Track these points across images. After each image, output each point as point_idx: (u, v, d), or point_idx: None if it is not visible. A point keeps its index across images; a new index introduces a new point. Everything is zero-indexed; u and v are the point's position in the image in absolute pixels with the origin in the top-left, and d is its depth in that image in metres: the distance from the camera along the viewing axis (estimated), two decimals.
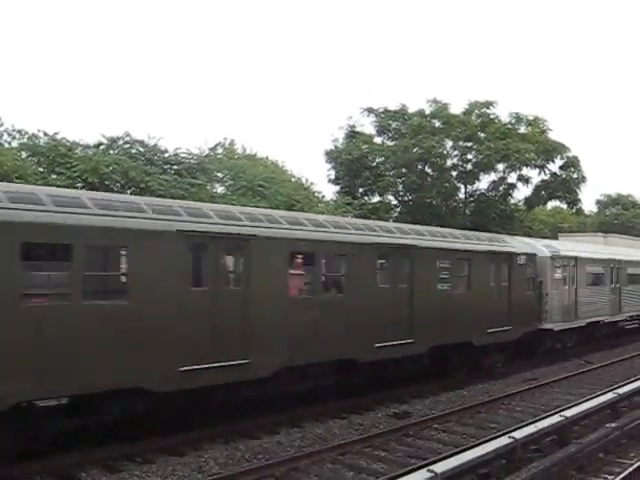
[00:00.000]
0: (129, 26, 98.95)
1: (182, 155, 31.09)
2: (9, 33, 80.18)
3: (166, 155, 30.61)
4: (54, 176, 25.46)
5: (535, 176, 44.52)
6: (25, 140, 29.02)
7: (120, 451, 11.74)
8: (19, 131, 29.25)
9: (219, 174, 34.37)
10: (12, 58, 79.61)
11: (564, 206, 51.23)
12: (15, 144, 28.80)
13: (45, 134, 28.85)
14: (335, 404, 15.73)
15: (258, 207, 28.51)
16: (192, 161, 31.25)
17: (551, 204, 54.16)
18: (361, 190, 44.42)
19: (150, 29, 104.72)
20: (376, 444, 12.99)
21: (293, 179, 44.44)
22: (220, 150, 41.19)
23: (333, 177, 44.97)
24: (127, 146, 29.74)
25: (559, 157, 43.79)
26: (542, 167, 43.74)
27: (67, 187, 21.26)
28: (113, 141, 29.76)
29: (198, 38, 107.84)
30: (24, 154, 27.67)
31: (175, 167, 30.26)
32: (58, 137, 28.42)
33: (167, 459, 11.72)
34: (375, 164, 44.28)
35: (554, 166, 44.10)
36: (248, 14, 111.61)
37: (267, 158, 48.24)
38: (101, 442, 11.72)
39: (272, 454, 12.19)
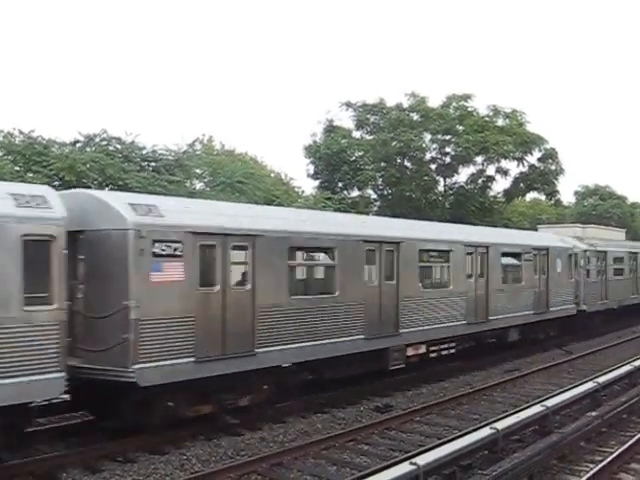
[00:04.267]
0: (103, 21, 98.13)
1: (160, 152, 30.80)
2: None
3: (144, 152, 30.30)
4: (30, 175, 25.17)
5: (514, 168, 44.84)
6: (0, 139, 28.66)
7: (101, 451, 11.65)
8: None
9: (198, 170, 34.15)
10: None
11: (543, 197, 51.68)
12: None
13: (20, 132, 28.47)
14: (317, 399, 15.72)
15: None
16: (170, 158, 30.98)
17: (530, 196, 54.51)
18: (340, 184, 44.38)
19: (125, 24, 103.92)
20: (359, 438, 13.01)
21: (272, 174, 44.34)
22: (198, 146, 40.94)
23: (312, 172, 44.93)
24: (104, 143, 29.41)
25: (537, 149, 44.07)
26: (520, 159, 44.00)
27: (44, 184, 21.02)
28: (90, 138, 29.42)
29: (173, 33, 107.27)
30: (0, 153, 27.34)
31: (153, 164, 29.99)
32: (34, 135, 28.08)
33: (148, 457, 11.64)
34: (354, 158, 44.27)
35: (532, 158, 44.43)
36: (224, 9, 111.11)
37: (246, 154, 48.12)
38: (82, 442, 11.63)
39: (255, 450, 12.16)
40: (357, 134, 45.42)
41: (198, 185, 33.35)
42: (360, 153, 44.33)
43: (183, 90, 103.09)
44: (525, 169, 44.72)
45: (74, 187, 23.00)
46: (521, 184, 45.66)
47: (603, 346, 25.88)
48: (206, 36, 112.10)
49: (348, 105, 44.55)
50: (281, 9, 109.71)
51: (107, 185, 26.32)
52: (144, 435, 12.26)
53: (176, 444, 12.29)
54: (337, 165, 43.47)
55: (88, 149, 28.65)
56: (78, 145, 29.09)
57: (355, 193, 44.94)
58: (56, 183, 24.52)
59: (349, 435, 13.06)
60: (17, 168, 25.98)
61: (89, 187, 24.73)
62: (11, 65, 78.56)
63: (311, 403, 15.45)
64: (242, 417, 13.72)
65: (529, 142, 43.29)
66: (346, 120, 45.27)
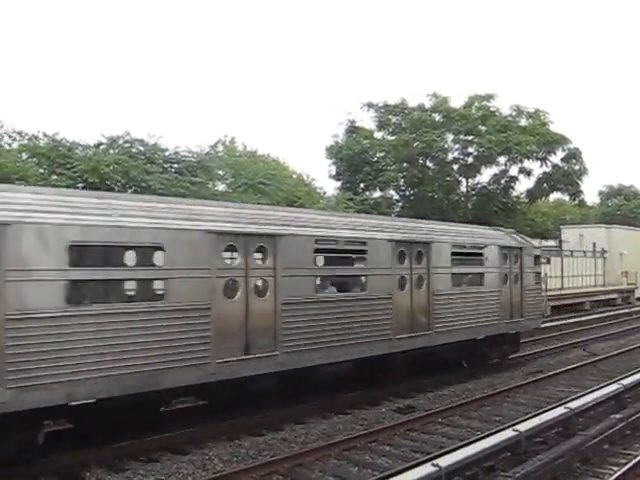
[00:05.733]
0: (128, 25, 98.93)
1: (182, 153, 31.08)
2: (7, 33, 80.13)
3: (166, 154, 30.59)
4: (55, 177, 25.46)
5: (537, 168, 44.65)
6: (25, 141, 29.02)
7: (124, 450, 11.73)
8: (19, 133, 29.27)
9: (220, 172, 34.35)
10: (11, 59, 79.62)
11: (566, 198, 51.31)
12: (15, 146, 28.81)
13: (45, 135, 28.85)
14: (339, 400, 15.72)
15: (260, 204, 28.56)
16: (192, 159, 31.22)
17: (553, 196, 54.27)
18: (362, 185, 44.45)
19: (149, 28, 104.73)
20: (380, 439, 12.96)
21: (294, 175, 44.47)
22: (220, 148, 41.21)
23: (334, 173, 45.07)
24: (127, 145, 29.71)
25: (561, 149, 43.82)
26: (544, 159, 43.76)
27: (68, 187, 21.27)
28: (113, 140, 29.74)
29: (196, 36, 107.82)
30: (25, 155, 27.68)
31: (176, 166, 30.26)
32: (58, 138, 28.42)
33: (171, 457, 11.69)
34: (376, 159, 44.32)
35: (556, 158, 44.19)
36: (247, 11, 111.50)
37: (268, 155, 48.31)
38: (105, 442, 11.71)
39: (277, 450, 12.17)
40: (379, 135, 45.49)
41: (220, 186, 33.54)
42: (382, 154, 44.35)
43: (205, 92, 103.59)
44: (548, 169, 44.47)
45: (98, 189, 23.26)
46: (544, 184, 45.38)
47: (628, 347, 25.60)
48: (230, 38, 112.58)
49: (370, 106, 44.62)
50: (305, 10, 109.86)
51: (130, 187, 26.57)
52: (166, 435, 12.34)
53: (198, 444, 12.35)
54: (359, 166, 43.53)
55: (111, 151, 28.95)
56: (102, 147, 29.42)
57: (377, 194, 44.98)
58: (80, 185, 24.80)
59: (371, 436, 13.01)
60: (41, 170, 26.30)
61: (112, 189, 24.99)
62: (35, 69, 79.38)
63: (332, 404, 15.44)
64: (263, 417, 13.79)
65: (552, 142, 43.03)
66: (368, 121, 45.42)
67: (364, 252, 15.43)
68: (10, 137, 29.23)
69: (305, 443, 12.71)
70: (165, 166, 29.86)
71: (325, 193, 42.89)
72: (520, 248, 20.88)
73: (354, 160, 43.39)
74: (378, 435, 13.14)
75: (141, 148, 29.87)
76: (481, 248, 19.32)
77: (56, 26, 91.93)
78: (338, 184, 45.35)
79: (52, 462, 10.87)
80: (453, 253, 18.11)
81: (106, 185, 25.38)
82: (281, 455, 11.74)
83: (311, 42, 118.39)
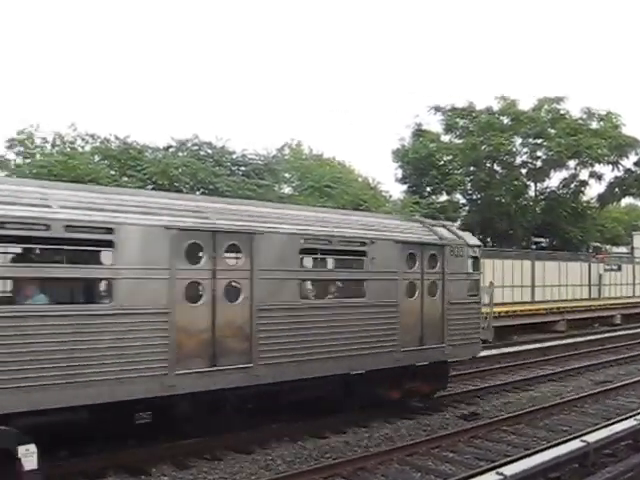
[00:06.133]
0: (195, 29, 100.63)
1: (249, 156, 31.50)
2: (78, 39, 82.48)
3: (234, 156, 31.07)
4: (125, 179, 26.12)
5: (608, 172, 43.65)
6: (97, 144, 29.87)
7: (189, 448, 11.94)
8: (92, 135, 30.16)
9: (286, 175, 34.66)
10: (84, 63, 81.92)
11: (639, 203, 49.93)
12: (88, 148, 29.69)
13: (117, 138, 29.64)
14: (402, 404, 15.65)
15: (325, 207, 28.62)
16: (259, 162, 31.62)
17: (625, 201, 52.84)
18: (428, 189, 44.26)
19: (216, 31, 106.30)
20: (444, 445, 12.85)
21: (360, 179, 44.51)
22: (287, 151, 41.57)
23: (400, 176, 44.94)
24: (195, 148, 30.30)
25: (633, 152, 42.65)
26: (615, 163, 42.74)
27: (138, 189, 21.78)
28: (182, 143, 30.37)
29: (259, 39, 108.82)
30: (97, 158, 28.49)
31: (243, 168, 30.70)
32: (129, 140, 29.16)
33: (235, 456, 11.83)
34: (442, 162, 44.08)
35: (628, 162, 43.10)
36: (304, 12, 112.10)
37: (334, 158, 48.43)
38: (170, 439, 11.94)
39: (339, 453, 12.19)
40: (446, 138, 45.20)
41: (287, 189, 33.83)
42: (449, 157, 44.07)
43: (273, 95, 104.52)
44: (620, 173, 43.45)
45: (168, 190, 23.75)
46: (616, 189, 44.30)
47: None
48: (294, 41, 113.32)
49: (437, 109, 44.35)
50: (369, 12, 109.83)
51: (198, 189, 27.05)
52: (230, 434, 12.50)
53: (261, 444, 12.47)
54: (425, 169, 43.34)
55: (180, 154, 29.54)
56: (170, 150, 30.03)
57: (443, 198, 44.65)
58: (149, 186, 25.37)
59: (434, 442, 12.90)
60: (112, 172, 27.01)
61: (181, 191, 25.46)
62: (107, 73, 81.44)
63: (395, 408, 15.39)
64: (326, 420, 13.83)
65: (625, 145, 41.96)
66: (435, 124, 45.19)
67: None
68: (83, 140, 30.15)
69: (368, 447, 12.70)
70: (232, 169, 30.32)
71: (391, 197, 42.82)
72: (441, 246, 15.13)
73: (421, 163, 43.22)
74: (441, 441, 13.02)
75: (209, 151, 30.43)
76: (362, 244, 13.52)
77: (129, 30, 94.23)
78: (404, 187, 45.27)
79: (119, 455, 11.14)
80: (304, 250, 12.71)
81: (175, 187, 25.90)
82: (344, 458, 11.76)
83: (379, 45, 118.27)
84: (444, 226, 16.41)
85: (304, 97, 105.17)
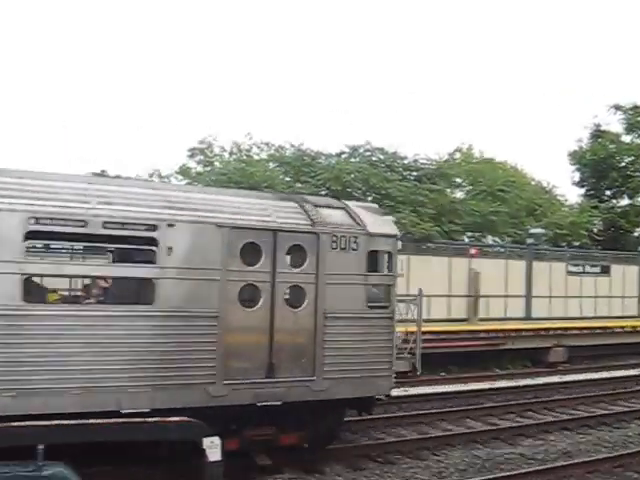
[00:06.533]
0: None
1: (421, 161, 31.47)
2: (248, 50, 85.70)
3: (405, 162, 31.15)
4: (299, 185, 26.93)
5: None
6: (272, 151, 31.07)
7: (361, 450, 12.12)
8: (266, 143, 31.42)
9: (458, 179, 34.32)
10: (254, 72, 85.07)
11: None
12: (264, 155, 30.95)
13: (291, 145, 30.67)
14: (581, 419, 15.04)
15: (498, 212, 27.99)
16: (431, 167, 31.51)
17: None
18: (608, 192, 42.11)
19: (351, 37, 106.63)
20: (627, 464, 12.16)
21: (532, 182, 43.20)
22: (458, 155, 41.13)
23: (577, 179, 43.14)
24: (368, 154, 30.68)
25: None
26: None
27: (311, 195, 22.39)
28: (354, 150, 30.85)
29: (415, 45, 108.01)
30: (272, 165, 29.63)
31: (414, 173, 30.71)
32: (303, 147, 30.06)
33: (407, 461, 11.88)
34: (623, 164, 41.79)
35: None
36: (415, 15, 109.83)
37: (505, 162, 47.28)
38: (344, 441, 12.18)
39: (513, 466, 11.86)
40: (627, 138, 42.84)
41: (459, 194, 33.50)
42: (630, 158, 41.73)
43: (441, 99, 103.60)
44: None
45: (335, 197, 24.25)
46: None
47: None
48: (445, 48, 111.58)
49: (617, 108, 42.19)
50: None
51: (370, 194, 27.38)
52: (403, 440, 12.57)
53: (433, 450, 12.43)
54: (605, 172, 41.31)
55: (352, 160, 30.02)
56: (343, 156, 30.60)
57: (625, 202, 42.32)
58: (323, 192, 26.02)
59: (616, 460, 12.27)
60: (288, 179, 27.97)
61: (353, 196, 25.88)
62: (278, 83, 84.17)
63: (573, 421, 14.82)
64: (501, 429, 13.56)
65: None
66: (615, 124, 42.93)
67: None
68: (258, 147, 31.49)
69: (544, 461, 12.29)
70: (404, 174, 30.41)
71: (567, 201, 41.19)
72: (314, 234, 10.41)
73: (599, 166, 41.24)
74: (624, 460, 12.35)
75: (381, 156, 30.70)
76: (150, 228, 9.32)
77: (283, 38, 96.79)
78: (582, 191, 43.38)
79: (292, 455, 11.39)
80: (31, 234, 8.60)
81: (347, 193, 26.36)
82: (518, 471, 11.44)
83: (556, 46, 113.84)
84: (344, 208, 11.23)
85: (475, 99, 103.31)
